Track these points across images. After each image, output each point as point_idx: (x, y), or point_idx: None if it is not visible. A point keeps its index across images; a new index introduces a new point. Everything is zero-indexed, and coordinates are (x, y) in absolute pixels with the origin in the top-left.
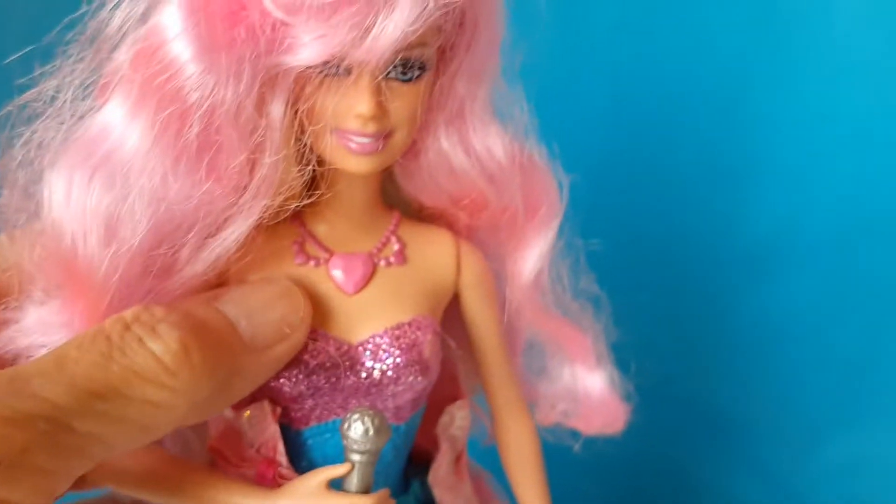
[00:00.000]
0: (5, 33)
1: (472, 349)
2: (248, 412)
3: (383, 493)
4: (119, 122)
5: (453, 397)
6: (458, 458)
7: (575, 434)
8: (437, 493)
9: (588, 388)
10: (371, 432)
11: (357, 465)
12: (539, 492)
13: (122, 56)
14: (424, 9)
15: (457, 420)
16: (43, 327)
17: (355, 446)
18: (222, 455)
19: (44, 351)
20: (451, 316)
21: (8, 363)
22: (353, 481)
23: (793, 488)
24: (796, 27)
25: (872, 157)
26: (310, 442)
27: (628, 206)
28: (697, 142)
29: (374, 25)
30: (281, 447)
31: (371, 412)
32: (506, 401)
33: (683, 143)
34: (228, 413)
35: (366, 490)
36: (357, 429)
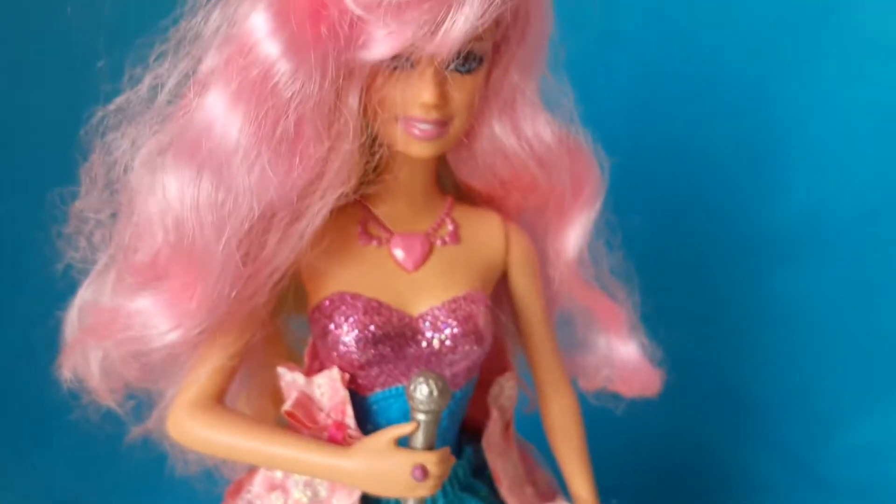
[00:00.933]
0: (93, 37)
1: (518, 324)
2: (321, 380)
3: (445, 450)
4: (220, 119)
5: (502, 369)
6: (506, 427)
7: (616, 399)
8: (490, 457)
9: (623, 356)
10: (435, 393)
11: (422, 424)
12: (581, 461)
13: (216, 57)
14: (491, 4)
15: (506, 391)
16: (161, 314)
17: (421, 406)
18: (297, 419)
19: (164, 339)
20: (499, 293)
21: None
22: (419, 439)
23: (815, 469)
24: (826, 11)
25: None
26: (375, 407)
27: (654, 191)
28: (724, 127)
29: (444, 21)
30: (350, 411)
31: (434, 375)
32: (550, 373)
33: (710, 129)
34: (301, 381)
35: (430, 447)
36: (422, 390)
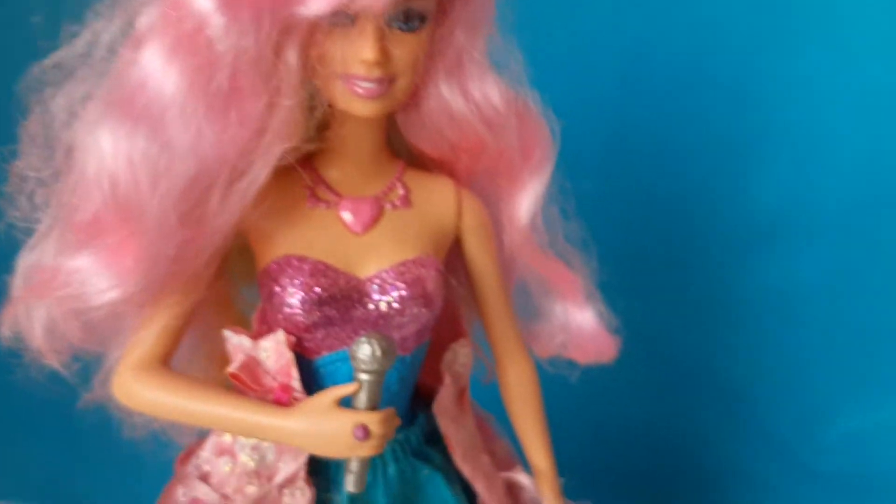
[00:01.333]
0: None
1: (473, 291)
2: (266, 343)
3: (389, 410)
4: (155, 75)
5: (457, 336)
6: (461, 394)
7: (571, 367)
8: (442, 422)
9: (580, 323)
10: (378, 353)
11: (365, 384)
12: (538, 430)
13: (151, 12)
14: None
15: (460, 357)
16: (99, 273)
17: (363, 366)
18: (242, 382)
19: (103, 297)
20: (454, 260)
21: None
22: (362, 399)
23: (801, 459)
24: (803, 3)
25: (881, 130)
26: (322, 371)
27: (634, 182)
28: (704, 114)
29: None
30: (295, 373)
31: (378, 335)
32: (506, 340)
33: (691, 116)
34: (247, 343)
35: (373, 408)
36: (364, 350)
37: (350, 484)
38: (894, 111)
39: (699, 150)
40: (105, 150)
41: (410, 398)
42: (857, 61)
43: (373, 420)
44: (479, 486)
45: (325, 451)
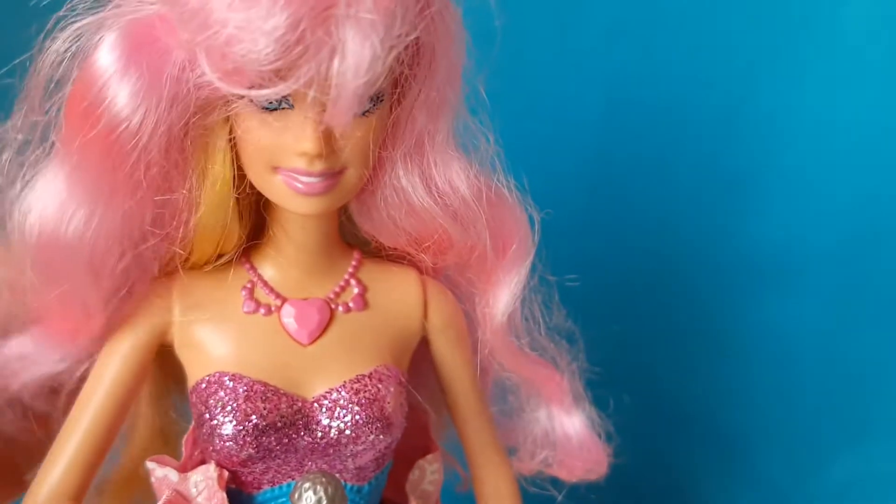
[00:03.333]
0: None
1: (445, 395)
2: (196, 476)
3: None
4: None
5: (424, 449)
6: None
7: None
8: None
9: (567, 431)
10: (324, 501)
11: None
12: None
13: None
14: (373, 58)
15: (427, 475)
16: (45, 348)
17: None
18: None
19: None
20: (420, 362)
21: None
22: None
23: None
24: (801, 32)
25: (877, 166)
26: None
27: (629, 216)
28: (699, 151)
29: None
30: None
31: (324, 479)
32: (482, 448)
33: (685, 152)
34: (174, 477)
35: None
36: (308, 498)
37: None
38: (891, 152)
39: (692, 192)
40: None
41: None
42: (854, 99)
43: None
44: None
45: None
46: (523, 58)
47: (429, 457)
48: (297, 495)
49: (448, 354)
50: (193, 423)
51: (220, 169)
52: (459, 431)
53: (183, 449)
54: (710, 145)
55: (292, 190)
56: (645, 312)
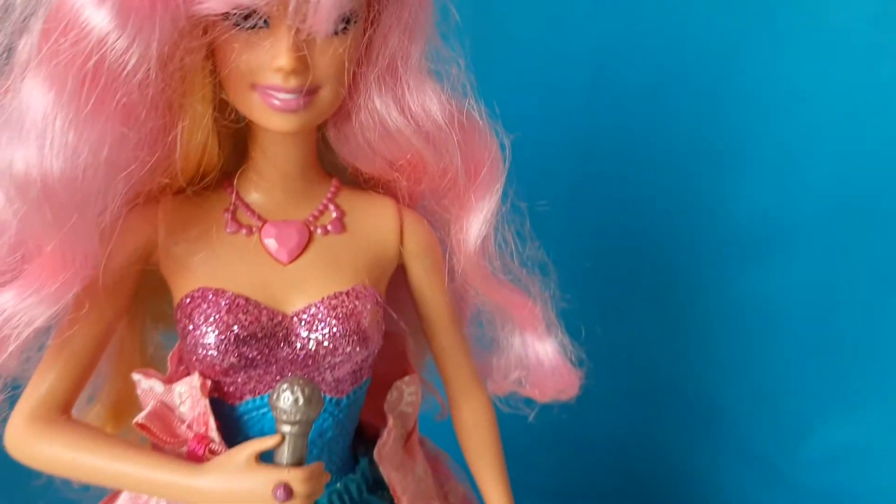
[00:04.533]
0: None
1: (422, 322)
2: (181, 387)
3: (316, 466)
4: (41, 101)
5: (403, 373)
6: (408, 436)
7: (529, 402)
8: (384, 470)
9: (539, 356)
10: (301, 402)
11: (288, 437)
12: (495, 469)
13: (37, 26)
14: None
15: (405, 396)
16: (25, 301)
17: (284, 416)
18: (151, 433)
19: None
20: (398, 289)
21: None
22: (284, 453)
23: (784, 476)
24: (783, 5)
25: (860, 139)
26: (245, 417)
27: (615, 194)
28: (683, 125)
29: None
30: (212, 423)
31: (301, 381)
32: (459, 374)
33: (669, 128)
34: (160, 389)
35: (298, 463)
36: (286, 398)
37: None
38: (872, 123)
39: (676, 162)
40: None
41: (350, 443)
42: (837, 73)
43: (296, 478)
44: None
45: None
46: (508, 32)
47: (406, 378)
48: (275, 396)
49: (424, 281)
50: (179, 340)
51: (200, 91)
52: (437, 359)
53: (168, 366)
54: (694, 117)
55: (269, 107)
56: (629, 286)
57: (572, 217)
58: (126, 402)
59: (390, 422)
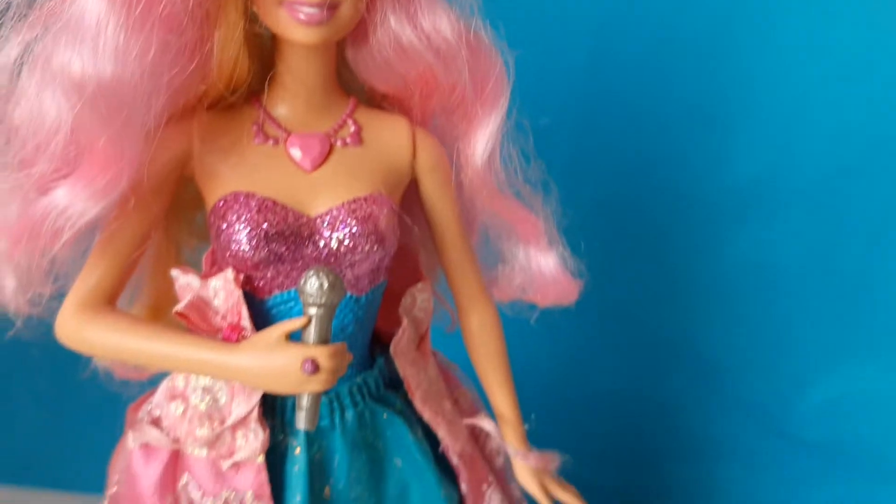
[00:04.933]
0: None
1: (433, 235)
2: (216, 282)
3: (340, 344)
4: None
5: (415, 281)
6: (421, 340)
7: (532, 308)
8: (399, 364)
9: (542, 267)
10: (326, 286)
11: (314, 319)
12: (501, 376)
13: None
14: None
15: (419, 302)
16: (77, 195)
17: (311, 300)
18: (190, 321)
19: (84, 217)
20: (411, 204)
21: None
22: (311, 333)
23: (780, 427)
24: None
25: (859, 96)
26: (273, 311)
27: (611, 151)
28: (680, 83)
29: None
30: (245, 312)
31: (326, 269)
32: (467, 285)
33: (665, 85)
34: (196, 283)
35: (323, 342)
36: (312, 283)
37: (301, 421)
38: (868, 84)
39: (673, 122)
40: (72, 73)
41: (368, 342)
42: (833, 34)
43: (322, 354)
44: (441, 432)
45: (274, 386)
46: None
47: (419, 285)
48: (303, 282)
49: (435, 194)
50: (211, 243)
51: (233, 2)
52: (446, 271)
53: (203, 266)
54: (692, 78)
55: (294, 20)
56: (627, 243)
57: (568, 178)
58: (163, 303)
59: (405, 322)
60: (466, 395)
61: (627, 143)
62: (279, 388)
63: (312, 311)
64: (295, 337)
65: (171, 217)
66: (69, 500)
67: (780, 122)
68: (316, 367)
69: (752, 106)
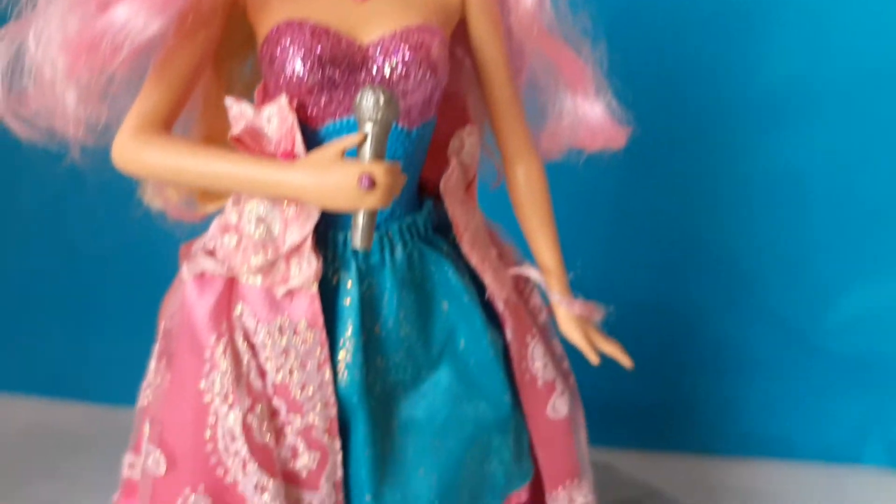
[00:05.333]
0: None
1: (480, 77)
2: (269, 109)
3: (395, 162)
4: None
5: (464, 124)
6: (468, 185)
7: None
8: (448, 203)
9: (588, 115)
10: (381, 102)
11: (369, 136)
12: (547, 229)
13: None
14: None
15: (467, 145)
16: (138, 12)
17: (367, 115)
18: (244, 145)
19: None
20: (459, 48)
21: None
22: (367, 150)
23: (807, 338)
24: None
25: (888, 3)
26: (326, 140)
27: (640, 56)
28: None
29: None
30: (298, 137)
31: (381, 87)
32: (514, 134)
33: None
34: (249, 111)
35: (379, 159)
36: (368, 98)
37: (357, 240)
38: None
39: (704, 25)
40: None
41: (417, 184)
42: None
43: (378, 169)
44: (488, 278)
45: (331, 203)
46: None
47: (467, 128)
48: (358, 99)
49: (485, 35)
50: (263, 75)
51: None
52: (493, 121)
53: (255, 98)
54: None
55: None
56: (655, 147)
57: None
58: (215, 139)
59: (454, 161)
60: (511, 250)
61: (656, 44)
62: (336, 204)
63: (368, 127)
64: (351, 155)
65: (222, 57)
66: (97, 412)
67: (813, 26)
68: (372, 183)
69: (786, 7)
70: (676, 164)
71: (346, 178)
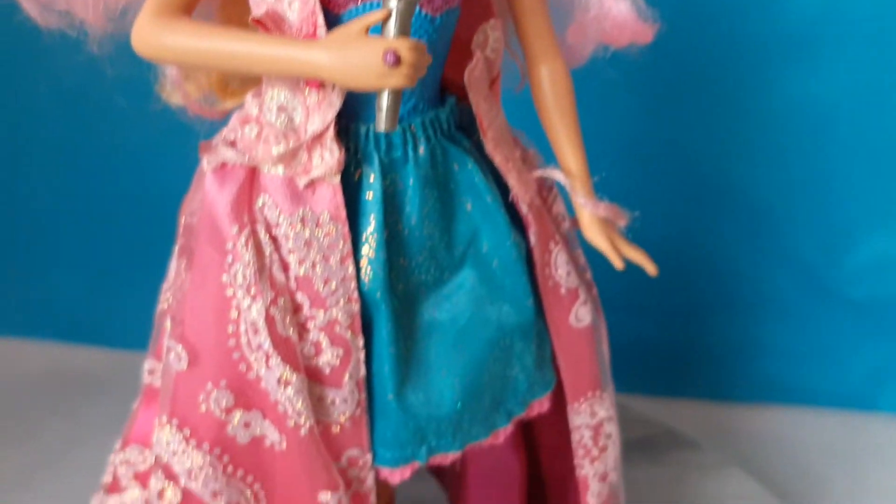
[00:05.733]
0: None
1: None
2: None
3: (420, 41)
4: None
5: (487, 19)
6: (493, 82)
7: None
8: (472, 96)
9: (614, 13)
10: None
11: (394, 12)
12: (571, 132)
13: None
14: None
15: (491, 41)
16: None
17: None
18: (266, 28)
19: None
20: None
21: None
22: (392, 27)
23: (828, 284)
24: None
25: None
26: None
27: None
28: None
29: None
30: (321, 20)
31: None
32: (539, 35)
33: None
34: None
35: (404, 36)
36: None
37: (381, 122)
38: None
39: None
40: None
41: (440, 78)
42: None
43: (403, 46)
44: (511, 179)
45: (356, 80)
46: None
47: (491, 21)
48: None
49: None
50: None
51: None
52: (517, 19)
53: None
54: None
55: None
56: (675, 82)
57: None
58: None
59: (478, 54)
60: (533, 154)
61: None
62: (359, 82)
63: (392, 3)
64: (374, 32)
65: None
66: (114, 357)
67: None
68: (397, 60)
69: None
70: (700, 98)
71: (371, 54)
